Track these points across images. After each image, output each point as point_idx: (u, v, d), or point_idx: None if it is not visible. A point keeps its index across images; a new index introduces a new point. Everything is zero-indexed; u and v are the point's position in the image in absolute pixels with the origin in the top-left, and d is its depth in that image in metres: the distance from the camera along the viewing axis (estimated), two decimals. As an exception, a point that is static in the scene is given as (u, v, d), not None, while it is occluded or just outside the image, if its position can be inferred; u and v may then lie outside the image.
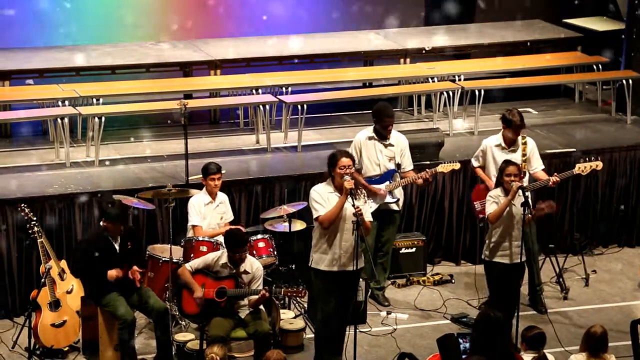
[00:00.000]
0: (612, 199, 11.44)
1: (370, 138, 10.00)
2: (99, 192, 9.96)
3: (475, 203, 10.11)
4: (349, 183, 8.56)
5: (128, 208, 9.33)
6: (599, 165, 9.71)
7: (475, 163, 10.16)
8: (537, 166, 9.97)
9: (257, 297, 8.83)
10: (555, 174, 9.78)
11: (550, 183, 9.66)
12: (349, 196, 8.56)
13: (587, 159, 9.84)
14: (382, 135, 9.96)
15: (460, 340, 7.70)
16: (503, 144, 9.94)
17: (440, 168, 10.05)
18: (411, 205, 10.88)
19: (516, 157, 9.87)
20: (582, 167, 9.71)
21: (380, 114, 9.92)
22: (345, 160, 8.64)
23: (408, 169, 10.07)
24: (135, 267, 8.92)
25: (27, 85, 11.76)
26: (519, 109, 10.07)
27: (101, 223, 8.94)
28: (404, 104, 12.53)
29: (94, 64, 11.89)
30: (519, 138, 9.91)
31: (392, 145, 10.01)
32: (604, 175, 11.27)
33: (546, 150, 11.09)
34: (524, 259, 9.23)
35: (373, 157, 9.98)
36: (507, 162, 9.32)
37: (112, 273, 8.84)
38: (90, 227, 9.86)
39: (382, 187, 9.93)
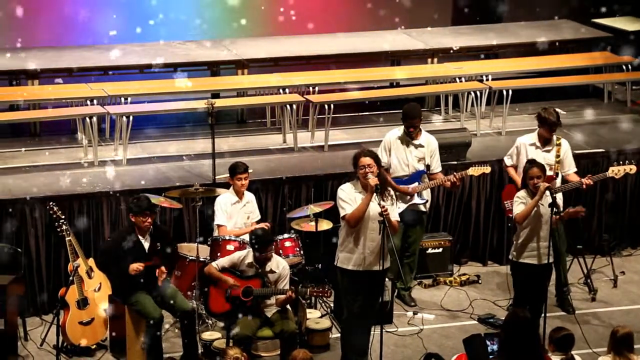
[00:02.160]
0: (641, 199, 11.38)
1: (400, 138, 9.98)
2: (127, 191, 10.01)
3: (505, 202, 10.07)
4: (373, 180, 8.54)
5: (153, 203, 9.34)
6: (632, 169, 9.60)
7: (508, 161, 10.10)
8: (570, 168, 9.90)
9: (284, 296, 8.84)
10: (589, 175, 9.69)
11: (584, 186, 9.58)
12: (375, 194, 8.55)
13: (621, 162, 9.75)
14: (409, 136, 9.94)
15: (488, 342, 7.67)
16: (538, 143, 9.87)
17: (471, 171, 9.99)
18: (438, 205, 10.85)
19: (550, 157, 9.81)
20: (616, 170, 9.61)
21: (405, 116, 9.92)
22: (364, 160, 8.62)
23: (436, 170, 10.04)
24: (162, 268, 8.93)
25: (56, 84, 11.84)
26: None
27: (131, 218, 8.94)
28: (431, 104, 12.50)
29: (122, 63, 11.95)
30: (554, 138, 9.85)
31: (422, 146, 9.97)
32: (633, 176, 11.16)
33: (575, 151, 11.02)
34: (551, 259, 9.18)
35: (402, 157, 9.96)
36: (532, 163, 9.22)
37: (134, 266, 8.80)
38: (118, 226, 9.92)
39: (410, 186, 9.90)
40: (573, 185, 9.71)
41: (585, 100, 12.80)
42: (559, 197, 9.78)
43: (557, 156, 9.84)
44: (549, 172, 9.72)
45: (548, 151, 9.85)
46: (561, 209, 9.74)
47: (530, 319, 7.27)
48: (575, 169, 9.95)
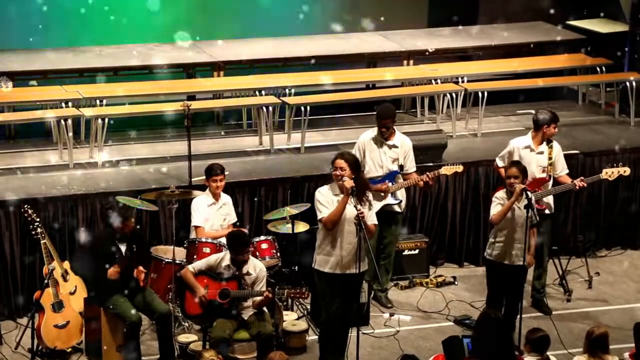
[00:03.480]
0: (615, 200, 11.43)
1: (374, 139, 10.01)
2: (102, 194, 9.96)
3: None
4: (348, 182, 8.57)
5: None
6: (626, 170, 9.65)
7: (500, 163, 10.12)
8: (562, 170, 9.95)
9: (260, 298, 8.84)
10: (582, 177, 9.74)
11: (577, 187, 9.65)
12: (351, 197, 8.56)
13: (615, 164, 9.81)
14: (382, 136, 9.97)
15: (466, 343, 7.69)
16: (532, 146, 9.91)
17: (443, 170, 10.07)
18: (414, 206, 10.88)
19: (543, 159, 9.86)
20: (610, 172, 9.66)
21: (377, 116, 9.97)
22: (338, 162, 8.66)
23: (411, 170, 10.07)
24: (140, 268, 8.93)
25: (31, 86, 11.77)
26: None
27: (119, 224, 8.90)
28: (407, 105, 12.53)
29: (97, 66, 11.90)
30: (545, 141, 9.89)
31: (397, 147, 10.01)
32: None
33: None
34: (525, 262, 9.22)
35: (376, 158, 9.99)
36: (511, 163, 9.32)
37: (111, 271, 8.82)
38: (94, 229, 9.87)
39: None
40: (565, 188, 9.77)
41: (560, 102, 12.86)
42: (550, 198, 9.84)
43: (550, 158, 9.88)
44: (542, 175, 9.78)
45: (541, 153, 9.89)
46: (552, 211, 9.83)
47: (502, 319, 7.30)
48: (567, 171, 10.00)
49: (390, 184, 9.98)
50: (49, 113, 11.05)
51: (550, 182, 9.88)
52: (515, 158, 9.88)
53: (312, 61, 12.37)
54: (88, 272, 8.97)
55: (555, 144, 9.97)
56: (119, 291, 8.91)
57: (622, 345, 8.91)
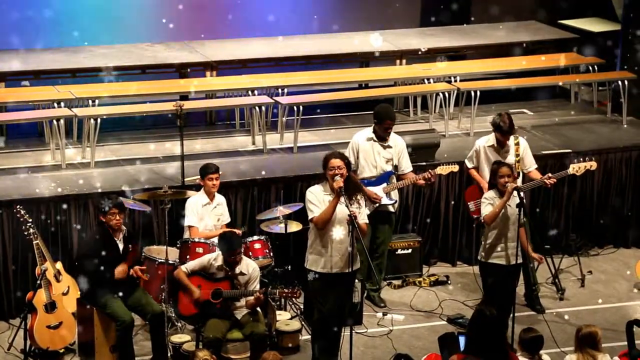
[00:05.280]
0: (607, 199, 11.46)
1: (368, 139, 10.00)
2: (95, 194, 9.96)
3: (469, 203, 10.15)
4: (337, 182, 8.56)
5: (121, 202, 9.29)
6: (593, 165, 9.77)
7: (469, 164, 10.18)
8: (530, 165, 10.02)
9: (253, 298, 8.83)
10: (549, 174, 9.82)
11: (546, 184, 9.72)
12: (342, 197, 8.56)
13: (582, 159, 9.90)
14: (381, 136, 9.96)
15: (461, 340, 7.70)
16: (496, 145, 9.98)
17: (439, 170, 10.07)
18: (407, 206, 10.89)
19: (509, 157, 9.90)
20: (577, 168, 9.77)
21: (382, 116, 9.93)
22: (334, 161, 8.65)
23: (407, 170, 10.08)
24: (137, 267, 8.93)
25: (23, 86, 11.75)
26: (512, 111, 10.11)
27: (100, 219, 8.89)
28: (399, 105, 12.53)
29: (89, 66, 11.88)
30: (512, 138, 9.95)
31: (391, 147, 10.01)
32: (599, 176, 11.29)
33: (542, 152, 11.12)
34: (519, 260, 9.24)
35: (370, 159, 9.99)
36: (499, 164, 9.32)
37: (119, 269, 8.82)
38: (86, 229, 9.86)
39: (379, 190, 9.91)
40: (536, 184, 9.83)
41: (552, 101, 12.89)
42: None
43: (517, 155, 9.94)
44: None
45: (507, 152, 9.94)
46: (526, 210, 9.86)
47: (497, 316, 7.29)
48: (536, 166, 10.07)
49: (385, 185, 9.96)
50: (41, 113, 11.03)
51: (520, 180, 9.91)
52: (482, 158, 9.97)
53: (304, 61, 12.39)
54: (90, 273, 8.89)
55: (521, 140, 10.03)
56: (112, 291, 8.89)
57: (615, 344, 8.94)
